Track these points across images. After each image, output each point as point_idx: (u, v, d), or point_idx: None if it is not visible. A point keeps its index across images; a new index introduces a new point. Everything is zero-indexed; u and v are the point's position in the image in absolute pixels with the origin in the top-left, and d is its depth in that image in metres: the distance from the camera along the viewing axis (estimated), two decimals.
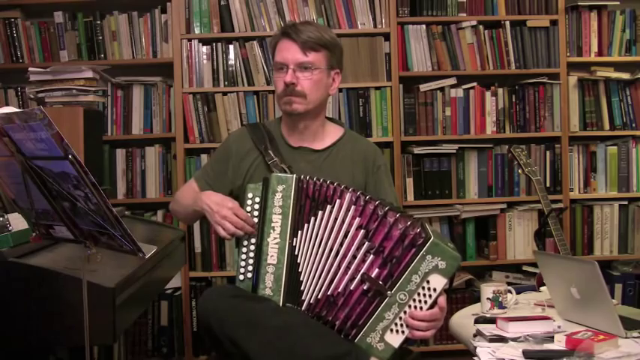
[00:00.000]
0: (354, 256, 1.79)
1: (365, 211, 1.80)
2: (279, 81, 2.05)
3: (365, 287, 1.76)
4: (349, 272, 1.80)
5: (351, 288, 1.79)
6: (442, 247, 1.72)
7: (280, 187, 1.86)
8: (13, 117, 1.50)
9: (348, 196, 1.81)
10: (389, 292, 1.74)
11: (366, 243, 1.78)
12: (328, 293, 1.81)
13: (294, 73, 2.02)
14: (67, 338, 1.78)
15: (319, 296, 1.82)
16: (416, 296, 1.74)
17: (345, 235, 1.80)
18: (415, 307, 1.74)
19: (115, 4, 3.40)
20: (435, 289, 1.73)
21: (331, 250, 1.82)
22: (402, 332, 1.75)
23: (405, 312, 1.74)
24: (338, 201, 1.82)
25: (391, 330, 1.75)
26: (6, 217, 1.84)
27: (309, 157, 2.10)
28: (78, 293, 1.63)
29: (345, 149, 2.13)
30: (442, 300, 1.76)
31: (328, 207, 1.83)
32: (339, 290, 1.80)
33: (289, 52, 2.03)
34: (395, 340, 1.76)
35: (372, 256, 1.77)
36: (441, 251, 1.72)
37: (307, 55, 2.02)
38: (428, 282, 1.73)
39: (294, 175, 1.88)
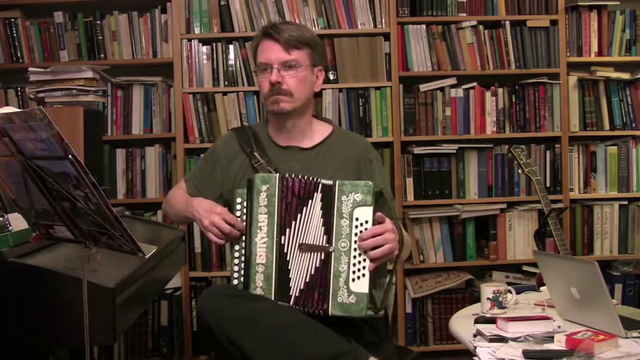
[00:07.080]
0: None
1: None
2: (264, 82, 2.06)
3: (322, 257, 1.83)
4: None
5: (317, 265, 1.84)
6: (349, 183, 1.83)
7: (264, 187, 1.88)
8: (13, 117, 1.50)
9: (320, 186, 1.87)
10: (331, 247, 1.81)
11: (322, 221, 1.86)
12: (307, 280, 1.85)
13: (279, 72, 2.03)
14: (67, 338, 1.78)
15: (302, 287, 1.85)
16: (354, 237, 1.81)
17: (318, 223, 1.86)
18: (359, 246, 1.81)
19: (115, 4, 3.40)
20: (366, 221, 1.80)
21: (312, 242, 1.86)
22: (363, 275, 1.80)
23: (354, 256, 1.80)
24: (316, 194, 1.86)
25: (353, 279, 1.80)
26: (6, 217, 1.84)
27: (299, 156, 2.11)
28: (78, 293, 1.63)
29: (335, 146, 2.14)
30: (378, 214, 1.82)
31: (310, 202, 1.87)
32: (312, 273, 1.84)
33: (272, 51, 2.04)
34: (361, 285, 1.79)
35: (322, 228, 1.85)
36: (350, 187, 1.82)
37: (290, 54, 2.03)
38: (357, 219, 1.81)
39: (278, 174, 1.90)
